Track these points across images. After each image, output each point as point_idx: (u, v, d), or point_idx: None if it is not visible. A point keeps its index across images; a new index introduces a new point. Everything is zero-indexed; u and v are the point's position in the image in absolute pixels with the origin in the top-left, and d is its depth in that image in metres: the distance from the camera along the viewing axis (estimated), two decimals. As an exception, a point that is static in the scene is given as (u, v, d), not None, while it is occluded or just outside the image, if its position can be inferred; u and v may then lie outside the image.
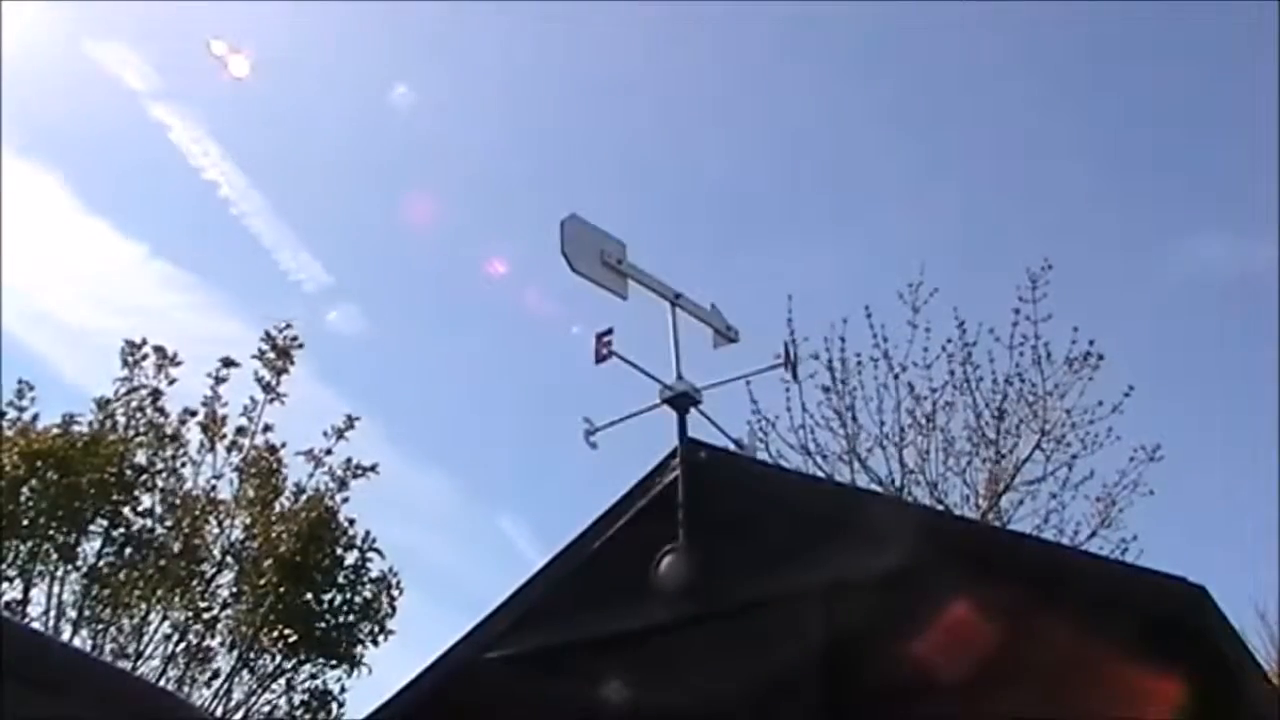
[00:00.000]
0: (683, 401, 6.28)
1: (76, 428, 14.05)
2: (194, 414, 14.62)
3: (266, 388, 14.72)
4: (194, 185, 17.00)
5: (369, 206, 18.11)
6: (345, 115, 17.38)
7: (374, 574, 14.64)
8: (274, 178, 17.44)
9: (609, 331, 6.44)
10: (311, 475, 14.69)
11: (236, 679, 14.12)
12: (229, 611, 14.23)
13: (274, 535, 14.10)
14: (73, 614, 13.63)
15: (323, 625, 14.21)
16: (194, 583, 14.07)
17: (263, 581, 13.80)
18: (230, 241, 18.03)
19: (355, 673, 14.32)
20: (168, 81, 16.59)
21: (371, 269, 19.15)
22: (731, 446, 6.77)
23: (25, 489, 13.47)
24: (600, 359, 6.37)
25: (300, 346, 14.90)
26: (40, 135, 15.49)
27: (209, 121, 16.74)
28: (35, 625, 12.61)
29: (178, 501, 14.36)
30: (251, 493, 14.50)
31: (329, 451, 14.73)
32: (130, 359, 14.63)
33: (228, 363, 14.83)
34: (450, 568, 19.53)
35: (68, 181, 17.32)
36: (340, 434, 14.78)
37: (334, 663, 14.27)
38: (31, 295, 15.98)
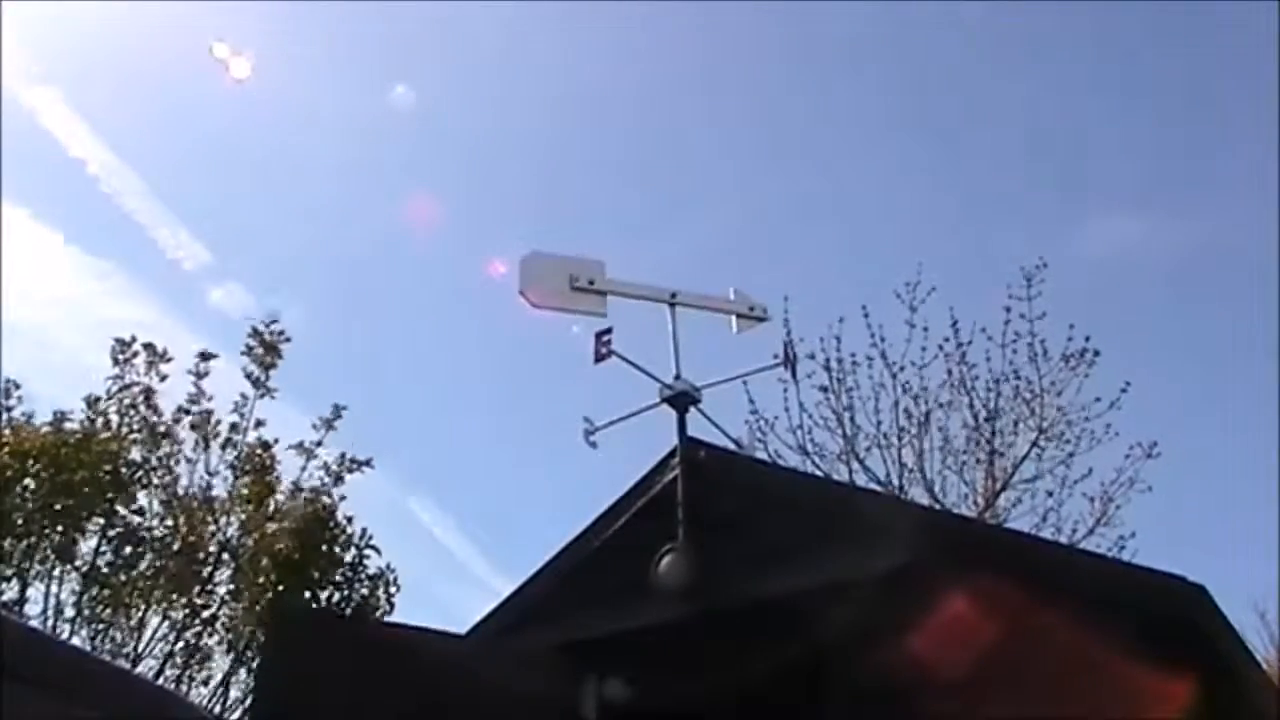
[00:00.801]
0: (682, 401, 6.28)
1: (69, 424, 14.03)
2: (187, 411, 14.59)
3: (256, 383, 14.67)
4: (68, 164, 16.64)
5: (252, 184, 17.76)
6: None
7: (371, 571, 14.63)
8: (148, 155, 17.06)
9: (608, 331, 6.44)
10: (304, 469, 14.67)
11: (234, 678, 14.11)
12: (227, 610, 14.22)
13: (270, 532, 14.07)
14: (71, 613, 13.63)
15: (320, 624, 14.16)
16: (191, 581, 14.04)
17: (260, 580, 13.77)
18: (114, 220, 17.48)
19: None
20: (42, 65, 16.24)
21: (257, 248, 18.50)
22: (731, 446, 6.77)
23: (19, 487, 13.45)
24: (599, 358, 6.36)
25: (288, 340, 14.85)
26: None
27: (77, 99, 16.28)
28: (33, 625, 12.59)
29: (174, 499, 14.34)
30: (246, 490, 14.47)
31: (319, 444, 14.68)
32: (120, 356, 14.60)
33: (205, 356, 14.77)
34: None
35: None
36: (329, 424, 14.70)
37: (331, 661, 14.21)
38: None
